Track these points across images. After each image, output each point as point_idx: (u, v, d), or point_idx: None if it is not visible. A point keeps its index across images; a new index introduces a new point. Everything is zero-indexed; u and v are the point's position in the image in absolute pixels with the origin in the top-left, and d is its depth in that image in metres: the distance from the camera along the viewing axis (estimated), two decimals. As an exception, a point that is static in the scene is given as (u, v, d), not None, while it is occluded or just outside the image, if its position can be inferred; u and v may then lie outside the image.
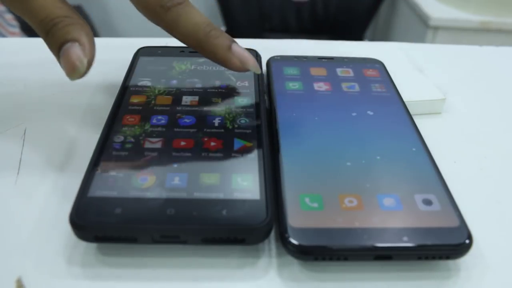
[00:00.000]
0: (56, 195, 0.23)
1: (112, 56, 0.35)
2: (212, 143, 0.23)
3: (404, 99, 0.29)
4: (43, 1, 0.22)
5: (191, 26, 0.24)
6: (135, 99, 0.27)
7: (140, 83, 0.28)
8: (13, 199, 0.23)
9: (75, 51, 0.22)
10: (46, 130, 0.27)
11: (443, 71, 0.37)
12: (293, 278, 0.20)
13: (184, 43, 0.24)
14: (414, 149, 0.25)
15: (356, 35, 1.39)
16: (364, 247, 0.19)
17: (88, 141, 0.25)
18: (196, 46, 0.24)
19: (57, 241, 0.21)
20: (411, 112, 0.28)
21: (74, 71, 0.22)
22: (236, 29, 1.36)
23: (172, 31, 0.24)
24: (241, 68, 0.25)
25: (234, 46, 0.25)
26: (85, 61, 0.22)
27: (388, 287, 0.20)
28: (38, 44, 0.38)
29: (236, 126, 0.25)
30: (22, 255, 0.20)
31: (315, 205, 0.21)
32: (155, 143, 0.23)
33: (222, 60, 0.25)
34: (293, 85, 0.30)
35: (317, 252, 0.19)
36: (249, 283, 0.19)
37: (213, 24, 0.24)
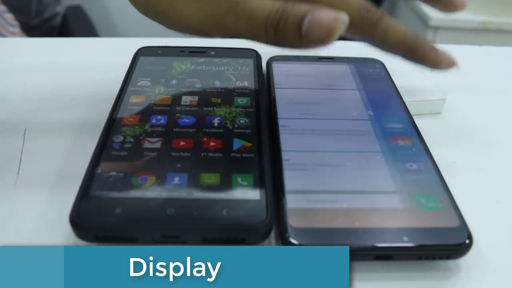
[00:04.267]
0: (56, 195, 0.23)
1: (112, 56, 0.35)
2: (212, 143, 0.23)
3: (404, 99, 0.29)
4: (255, 1, 0.22)
5: (400, 35, 0.24)
6: (135, 99, 0.27)
7: (140, 83, 0.28)
8: (13, 199, 0.23)
9: (322, 12, 0.21)
10: (46, 130, 0.27)
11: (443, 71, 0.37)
12: (293, 278, 0.20)
13: (393, 52, 0.25)
14: (414, 149, 0.25)
15: (356, 35, 1.39)
16: (364, 247, 0.19)
17: (88, 141, 0.25)
18: (406, 53, 0.24)
19: (57, 241, 0.21)
20: (411, 112, 0.28)
21: (336, 26, 0.21)
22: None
23: (383, 43, 0.24)
24: (448, 67, 0.25)
25: (436, 47, 0.25)
26: (340, 14, 0.21)
27: (388, 287, 0.20)
28: (38, 44, 0.38)
29: (236, 126, 0.25)
30: (22, 255, 0.20)
31: (315, 205, 0.21)
32: (155, 143, 0.23)
33: (433, 61, 0.25)
34: (293, 85, 0.30)
35: (317, 252, 0.19)
36: (249, 283, 0.19)
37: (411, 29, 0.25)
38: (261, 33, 0.22)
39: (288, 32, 0.21)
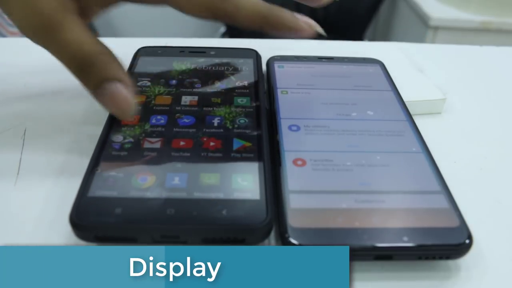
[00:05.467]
0: (56, 195, 0.23)
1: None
2: (212, 143, 0.23)
3: (404, 99, 0.29)
4: (73, 35, 0.22)
5: (251, 6, 0.24)
6: (135, 99, 0.27)
7: (140, 83, 0.28)
8: (13, 199, 0.23)
9: (121, 91, 0.22)
10: (46, 130, 0.27)
11: (443, 71, 0.37)
12: (293, 278, 0.20)
13: (247, 25, 0.24)
14: (414, 149, 0.25)
15: (356, 35, 1.39)
16: (364, 247, 0.19)
17: (88, 141, 0.25)
18: (262, 24, 0.24)
19: (57, 241, 0.21)
20: (411, 112, 0.28)
21: (127, 113, 0.22)
22: (236, 29, 1.36)
23: (234, 17, 0.24)
24: (310, 32, 0.25)
25: (296, 14, 0.25)
26: (133, 100, 0.22)
27: (388, 287, 0.20)
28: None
29: (236, 126, 0.25)
30: (22, 255, 0.20)
31: (315, 205, 0.21)
32: (155, 143, 0.23)
33: (293, 27, 0.25)
34: (293, 85, 0.30)
35: (317, 252, 0.19)
36: (249, 283, 0.19)
37: None
38: (66, 63, 0.22)
39: (87, 83, 0.22)
